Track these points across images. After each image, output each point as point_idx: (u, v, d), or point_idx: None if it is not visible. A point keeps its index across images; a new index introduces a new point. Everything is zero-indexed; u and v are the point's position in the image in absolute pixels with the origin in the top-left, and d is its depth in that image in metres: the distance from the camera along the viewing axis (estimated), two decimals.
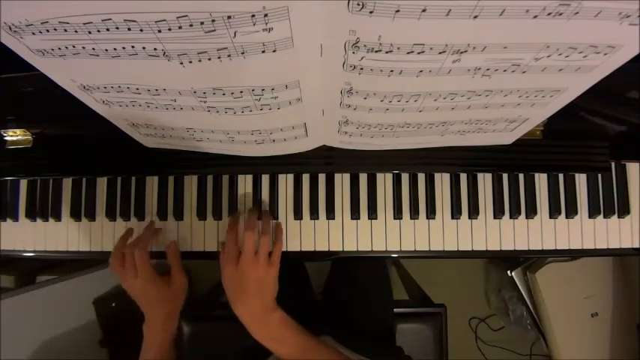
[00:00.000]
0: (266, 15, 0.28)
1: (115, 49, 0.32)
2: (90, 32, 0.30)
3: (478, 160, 0.59)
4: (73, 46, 0.32)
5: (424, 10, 0.27)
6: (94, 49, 0.32)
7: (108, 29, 0.29)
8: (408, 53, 0.32)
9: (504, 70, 0.36)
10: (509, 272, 1.22)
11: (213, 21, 0.28)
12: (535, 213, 0.61)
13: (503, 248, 0.61)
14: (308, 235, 0.61)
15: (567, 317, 1.15)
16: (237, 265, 0.53)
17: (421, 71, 0.35)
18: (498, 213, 0.61)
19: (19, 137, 0.61)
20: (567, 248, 0.61)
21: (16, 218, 0.64)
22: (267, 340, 0.51)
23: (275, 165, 0.58)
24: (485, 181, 0.61)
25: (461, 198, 0.61)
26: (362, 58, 0.33)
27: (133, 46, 0.31)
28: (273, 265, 0.55)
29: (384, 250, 0.61)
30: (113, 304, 1.04)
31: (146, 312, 0.58)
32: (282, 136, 0.49)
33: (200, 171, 0.61)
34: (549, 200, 0.61)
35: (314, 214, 0.61)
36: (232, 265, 0.53)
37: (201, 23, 0.28)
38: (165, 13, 0.28)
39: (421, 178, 0.61)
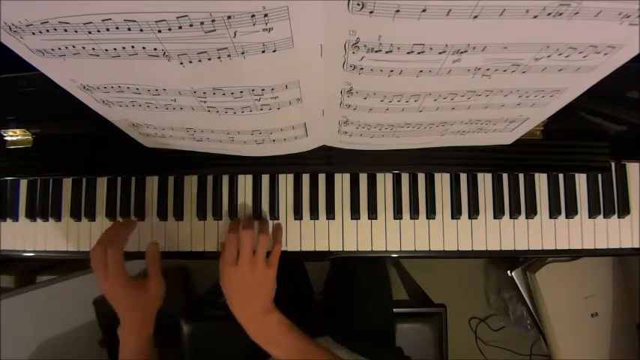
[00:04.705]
0: (266, 15, 0.28)
1: (114, 49, 0.32)
2: (90, 32, 0.30)
3: (478, 160, 0.59)
4: (73, 46, 0.32)
5: (424, 10, 0.27)
6: (94, 49, 0.32)
7: (108, 29, 0.29)
8: (408, 53, 0.32)
9: (504, 70, 0.36)
10: (509, 272, 1.22)
11: (213, 21, 0.28)
12: (535, 213, 0.61)
13: (503, 248, 0.60)
14: (308, 235, 0.61)
15: (567, 317, 1.15)
16: (236, 266, 0.53)
17: (421, 71, 0.35)
18: (498, 213, 0.61)
19: (19, 137, 0.61)
20: (567, 248, 0.61)
21: (16, 218, 0.64)
22: (263, 342, 0.51)
23: (275, 165, 0.58)
24: (485, 181, 0.61)
25: (461, 198, 0.61)
26: (362, 58, 0.33)
27: (133, 46, 0.31)
28: (271, 266, 0.54)
29: (384, 250, 0.61)
30: None
31: (120, 315, 0.55)
32: (282, 136, 0.49)
33: (200, 171, 0.61)
34: (549, 200, 0.61)
35: (314, 214, 0.61)
36: (231, 267, 0.53)
37: (201, 23, 0.28)
38: (165, 13, 0.28)
39: (421, 178, 0.61)
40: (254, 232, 0.55)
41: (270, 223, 0.61)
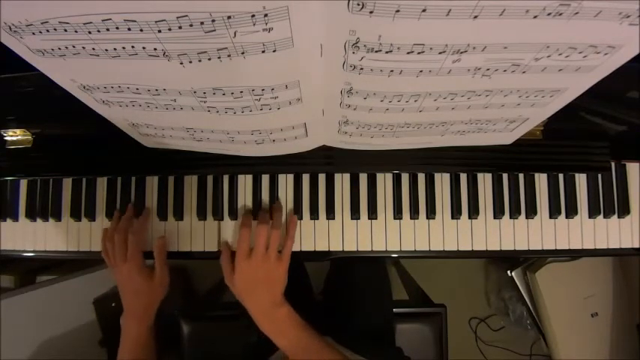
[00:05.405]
0: (266, 15, 0.28)
1: (115, 49, 0.32)
2: (90, 32, 0.30)
3: (478, 160, 0.59)
4: (73, 46, 0.32)
5: (424, 10, 0.27)
6: (94, 49, 0.32)
7: (108, 29, 0.29)
8: (408, 53, 0.32)
9: (504, 70, 0.36)
10: (509, 272, 1.22)
11: (213, 21, 0.28)
12: (535, 213, 0.61)
13: (503, 248, 0.61)
14: (308, 235, 0.61)
15: (567, 317, 1.15)
16: (249, 260, 0.54)
17: (421, 71, 0.35)
18: (498, 213, 0.60)
19: (19, 137, 0.61)
20: (567, 248, 0.61)
21: (16, 218, 0.64)
22: (271, 333, 0.53)
23: (275, 165, 0.58)
24: (485, 181, 0.61)
25: (461, 198, 0.61)
26: (362, 58, 0.33)
27: (133, 46, 0.31)
28: (283, 261, 0.55)
29: (384, 250, 0.61)
30: (113, 304, 1.04)
31: (126, 300, 0.58)
32: (282, 136, 0.49)
33: (200, 171, 0.61)
34: (549, 200, 0.61)
35: (314, 214, 0.61)
36: (244, 260, 0.54)
37: (201, 23, 0.28)
38: (165, 13, 0.28)
39: (421, 178, 0.61)
40: (267, 228, 0.55)
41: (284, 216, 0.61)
